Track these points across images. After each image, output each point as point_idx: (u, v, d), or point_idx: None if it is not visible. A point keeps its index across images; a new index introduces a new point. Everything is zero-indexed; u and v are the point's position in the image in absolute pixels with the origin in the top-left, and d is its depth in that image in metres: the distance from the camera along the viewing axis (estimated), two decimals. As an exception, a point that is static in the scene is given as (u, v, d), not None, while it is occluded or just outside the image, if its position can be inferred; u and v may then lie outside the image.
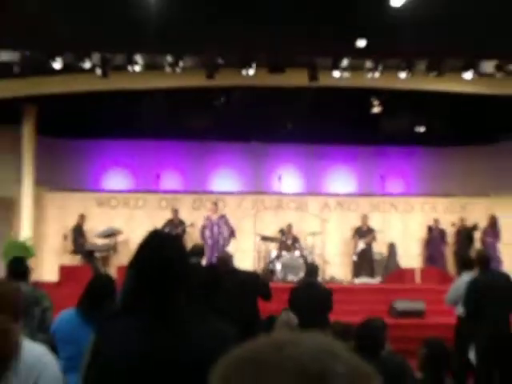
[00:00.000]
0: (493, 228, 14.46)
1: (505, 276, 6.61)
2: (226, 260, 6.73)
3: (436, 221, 15.23)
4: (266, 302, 6.56)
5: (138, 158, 16.34)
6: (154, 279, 1.99)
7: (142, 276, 2.02)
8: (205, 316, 2.02)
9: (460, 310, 6.85)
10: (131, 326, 2.00)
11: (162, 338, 1.94)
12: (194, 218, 14.85)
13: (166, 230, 13.52)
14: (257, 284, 6.55)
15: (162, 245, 2.06)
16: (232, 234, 14.18)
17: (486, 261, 6.49)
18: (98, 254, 14.17)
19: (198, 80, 12.34)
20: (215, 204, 14.56)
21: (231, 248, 13.41)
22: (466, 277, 6.85)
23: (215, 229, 14.02)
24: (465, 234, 14.70)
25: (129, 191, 16.01)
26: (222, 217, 14.35)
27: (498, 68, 11.86)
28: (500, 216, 14.82)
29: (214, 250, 13.39)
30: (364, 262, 14.62)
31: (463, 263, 7.35)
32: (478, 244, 14.51)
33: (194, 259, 6.79)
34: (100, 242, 14.55)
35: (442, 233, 15.15)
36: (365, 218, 15.08)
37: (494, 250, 13.88)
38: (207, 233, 14.02)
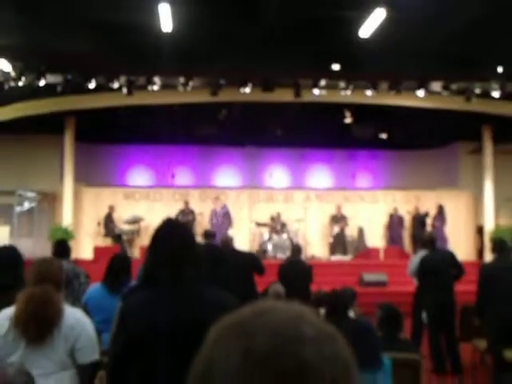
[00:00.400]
0: (440, 215, 14.57)
1: (448, 253, 6.63)
2: (227, 241, 6.57)
3: (395, 209, 15.15)
4: (260, 276, 6.42)
5: (156, 159, 16.23)
6: (169, 255, 1.97)
7: (159, 252, 1.99)
8: (210, 286, 1.98)
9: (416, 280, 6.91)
10: (153, 296, 1.95)
11: (181, 302, 1.90)
12: (202, 209, 14.77)
13: (179, 218, 13.29)
14: (253, 261, 6.44)
15: (174, 228, 2.05)
16: (229, 222, 14.02)
17: (434, 241, 6.52)
18: (124, 237, 14.07)
19: (204, 97, 12.26)
20: (217, 198, 14.42)
21: (231, 232, 13.29)
22: (420, 253, 6.86)
23: (219, 217, 13.94)
24: (418, 220, 14.67)
25: (149, 187, 15.89)
26: (224, 207, 14.25)
27: (444, 87, 11.89)
28: (445, 205, 14.99)
29: (218, 234, 13.26)
30: (338, 243, 14.59)
31: (418, 243, 7.47)
32: (428, 228, 14.43)
33: (207, 240, 6.80)
34: (126, 227, 14.46)
35: (401, 219, 15.09)
36: (339, 207, 15.01)
37: (441, 233, 13.99)
38: (214, 220, 13.96)
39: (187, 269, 1.94)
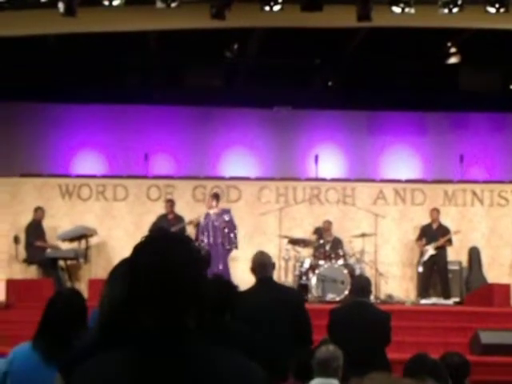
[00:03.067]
0: None
1: None
2: (265, 265, 6.77)
3: None
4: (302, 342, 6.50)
5: (117, 131, 16.51)
6: (153, 293, 2.04)
7: (135, 289, 2.07)
8: (227, 349, 2.08)
9: None
10: (122, 368, 2.02)
11: (177, 380, 1.99)
12: (196, 213, 14.81)
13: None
14: (297, 307, 6.67)
15: (168, 246, 2.11)
16: (231, 239, 14.11)
17: None
18: (62, 263, 14.14)
19: (201, 20, 12.48)
20: (214, 196, 14.53)
21: (240, 255, 13.88)
22: None
23: (215, 230, 14.12)
24: None
25: (104, 176, 16.11)
26: (224, 212, 14.40)
27: None
28: None
29: (214, 258, 13.33)
30: (434, 275, 14.71)
31: None
32: None
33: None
34: (65, 246, 14.51)
35: None
36: (435, 212, 15.09)
37: None
38: (204, 233, 14.18)
39: (189, 318, 2.04)
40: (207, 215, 14.42)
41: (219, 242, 14.18)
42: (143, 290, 2.07)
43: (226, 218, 14.46)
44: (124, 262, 2.59)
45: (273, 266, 6.95)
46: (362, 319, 7.32)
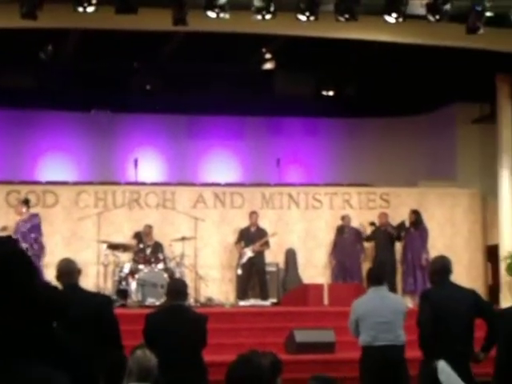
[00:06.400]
0: (418, 228, 15.31)
1: (469, 292, 7.29)
2: (71, 272, 6.66)
3: (348, 219, 15.55)
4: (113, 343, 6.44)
5: None
6: None
7: None
8: (29, 359, 2.03)
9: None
10: None
11: None
12: (10, 219, 14.20)
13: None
14: (103, 311, 6.55)
15: None
16: (38, 245, 13.63)
17: (447, 271, 7.09)
18: None
19: (10, 19, 12.15)
20: (24, 201, 13.96)
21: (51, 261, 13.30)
22: (380, 292, 7.62)
23: (22, 234, 13.51)
24: (386, 236, 15.22)
25: None
26: (32, 217, 13.96)
27: (431, 8, 11.87)
28: (431, 210, 16.13)
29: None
30: (252, 277, 14.80)
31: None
32: (398, 250, 15.45)
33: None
34: None
35: (357, 235, 15.42)
36: (254, 215, 15.26)
37: (420, 257, 15.02)
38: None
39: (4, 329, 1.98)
40: (17, 221, 13.91)
41: (27, 248, 13.41)
42: None
43: (33, 223, 13.91)
44: None
45: (79, 271, 6.84)
46: (178, 323, 7.25)
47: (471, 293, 7.17)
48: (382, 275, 8.08)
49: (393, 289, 13.77)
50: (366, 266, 14.35)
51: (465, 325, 6.88)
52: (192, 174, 17.09)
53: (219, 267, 15.73)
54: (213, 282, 15.26)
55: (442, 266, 7.01)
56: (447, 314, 6.78)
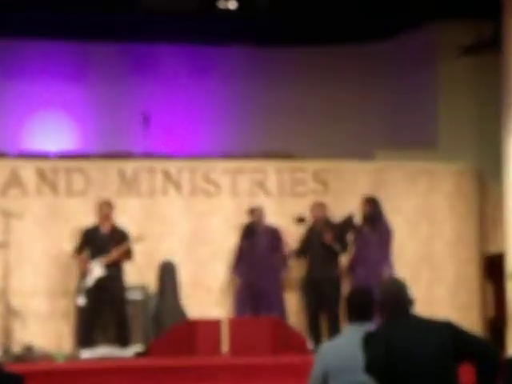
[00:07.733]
0: (375, 224, 13.45)
1: (442, 325, 5.83)
2: None
3: (259, 212, 13.21)
4: None
5: None
6: None
7: None
8: None
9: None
10: None
11: None
12: None
13: None
14: None
15: None
16: None
17: (405, 303, 5.66)
18: None
19: None
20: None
21: None
22: (349, 334, 6.20)
23: None
24: (318, 238, 13.23)
25: None
26: None
27: None
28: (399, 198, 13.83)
29: None
30: (103, 310, 12.68)
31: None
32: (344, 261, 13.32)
33: None
34: None
35: (275, 237, 13.37)
36: (106, 207, 12.56)
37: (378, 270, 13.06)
38: None
39: None
40: None
41: None
42: None
43: None
44: None
45: None
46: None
47: (444, 326, 5.69)
48: (369, 305, 6.10)
49: (334, 322, 12.36)
50: (291, 287, 12.53)
51: (435, 376, 5.49)
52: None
53: (46, 294, 13.05)
54: (35, 318, 12.71)
55: (393, 295, 5.67)
56: (406, 362, 5.51)
